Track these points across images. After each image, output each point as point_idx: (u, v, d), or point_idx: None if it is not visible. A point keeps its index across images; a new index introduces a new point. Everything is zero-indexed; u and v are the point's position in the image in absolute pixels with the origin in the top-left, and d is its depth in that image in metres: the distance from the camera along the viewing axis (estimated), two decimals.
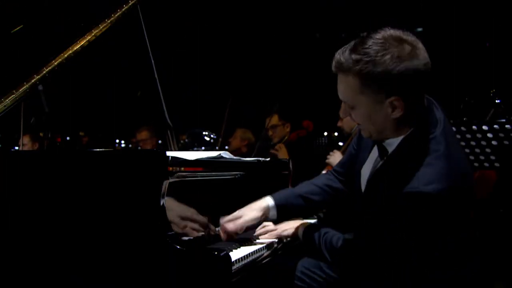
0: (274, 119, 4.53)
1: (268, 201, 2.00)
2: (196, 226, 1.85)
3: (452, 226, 1.57)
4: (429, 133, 1.57)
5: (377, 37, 1.51)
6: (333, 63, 1.58)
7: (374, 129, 1.63)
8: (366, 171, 1.81)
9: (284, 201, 2.02)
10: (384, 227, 1.55)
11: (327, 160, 3.51)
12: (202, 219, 1.90)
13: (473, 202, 1.70)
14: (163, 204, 1.63)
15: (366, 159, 1.82)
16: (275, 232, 2.02)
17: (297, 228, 1.99)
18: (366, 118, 1.60)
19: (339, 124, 3.72)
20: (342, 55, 1.55)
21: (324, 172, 3.49)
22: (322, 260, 1.91)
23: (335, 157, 3.47)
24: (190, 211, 1.85)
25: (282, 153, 4.33)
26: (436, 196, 1.46)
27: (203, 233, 1.89)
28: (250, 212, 1.96)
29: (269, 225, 2.05)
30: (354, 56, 1.51)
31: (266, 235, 2.02)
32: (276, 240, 2.03)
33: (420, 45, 1.54)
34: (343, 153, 3.50)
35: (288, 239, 2.06)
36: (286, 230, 2.02)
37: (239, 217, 1.93)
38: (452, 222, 1.56)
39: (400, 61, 1.47)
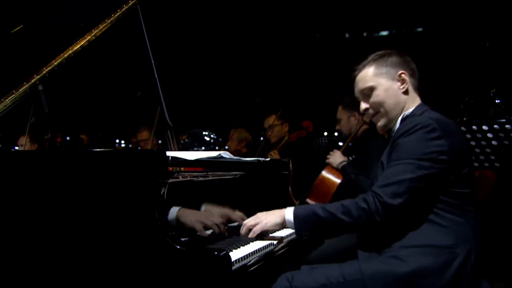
0: (272, 119, 4.52)
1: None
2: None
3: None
4: (423, 111, 1.98)
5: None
6: (354, 72, 2.15)
7: (388, 108, 2.05)
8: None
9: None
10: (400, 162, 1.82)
11: (327, 160, 3.51)
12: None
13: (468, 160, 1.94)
14: (163, 204, 1.63)
15: None
16: (258, 227, 1.95)
17: (282, 215, 1.95)
18: (384, 95, 2.05)
19: (338, 127, 3.74)
20: (359, 64, 2.14)
21: (324, 172, 3.50)
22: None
23: (335, 157, 3.47)
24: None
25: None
26: (424, 120, 1.85)
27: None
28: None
29: (249, 221, 1.99)
30: (368, 59, 2.12)
31: (250, 234, 1.96)
32: (276, 241, 2.02)
33: (409, 58, 2.13)
34: (343, 152, 3.51)
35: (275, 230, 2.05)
36: (269, 221, 1.96)
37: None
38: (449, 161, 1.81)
39: (397, 57, 2.09)
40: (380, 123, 2.10)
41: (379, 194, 1.78)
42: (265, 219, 1.97)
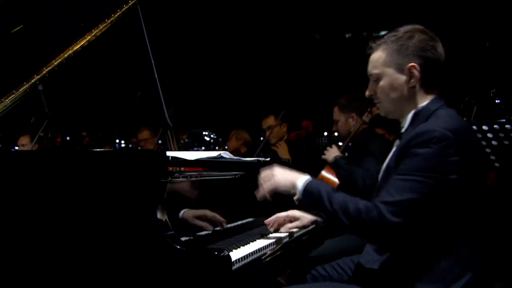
0: (270, 120, 4.54)
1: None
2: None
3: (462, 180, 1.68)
4: (437, 108, 1.84)
5: (406, 26, 1.93)
6: (368, 47, 1.97)
7: (392, 101, 1.92)
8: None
9: None
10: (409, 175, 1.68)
11: (323, 156, 3.50)
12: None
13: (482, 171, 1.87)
14: (163, 204, 1.63)
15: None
16: (269, 185, 1.92)
17: (293, 183, 1.90)
18: (389, 87, 1.91)
19: (334, 128, 3.75)
20: (376, 38, 1.96)
21: (323, 172, 3.50)
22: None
23: (330, 152, 3.46)
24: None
25: (282, 149, 4.34)
26: (442, 132, 1.67)
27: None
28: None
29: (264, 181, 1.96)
30: (384, 37, 1.93)
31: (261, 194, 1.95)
32: (274, 241, 2.02)
33: (437, 39, 1.92)
34: (341, 150, 3.50)
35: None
36: (281, 183, 1.92)
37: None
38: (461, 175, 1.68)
39: (418, 40, 1.86)
40: (380, 111, 2.01)
41: (381, 210, 1.66)
42: (276, 178, 1.93)
